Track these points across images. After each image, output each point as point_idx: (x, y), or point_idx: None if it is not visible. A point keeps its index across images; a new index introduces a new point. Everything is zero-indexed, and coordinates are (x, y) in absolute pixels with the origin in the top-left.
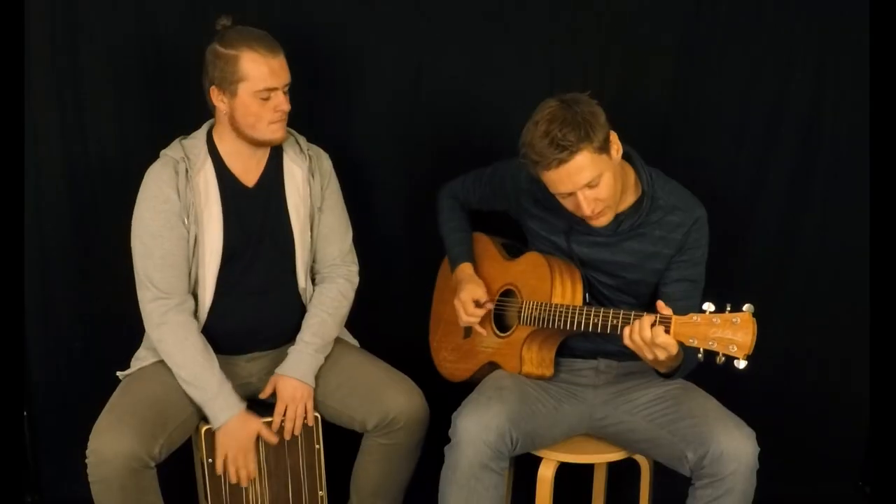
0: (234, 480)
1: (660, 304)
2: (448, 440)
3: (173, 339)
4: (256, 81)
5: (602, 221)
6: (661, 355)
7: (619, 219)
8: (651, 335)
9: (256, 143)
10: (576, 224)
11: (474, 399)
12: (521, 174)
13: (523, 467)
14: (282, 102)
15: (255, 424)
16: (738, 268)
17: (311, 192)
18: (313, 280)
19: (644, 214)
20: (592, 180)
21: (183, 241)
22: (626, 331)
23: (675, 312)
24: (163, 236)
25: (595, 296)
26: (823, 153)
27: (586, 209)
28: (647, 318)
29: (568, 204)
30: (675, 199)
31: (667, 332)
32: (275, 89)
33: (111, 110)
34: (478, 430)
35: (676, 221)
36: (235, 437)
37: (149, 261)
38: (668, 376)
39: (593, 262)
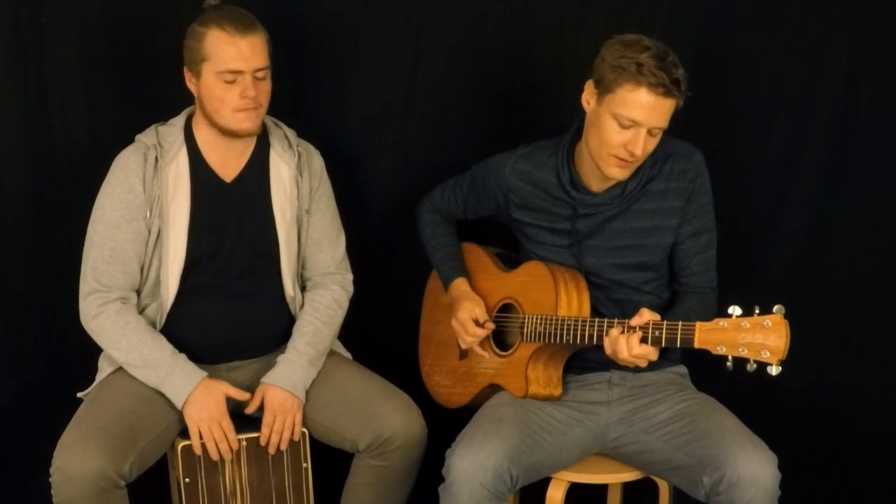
0: (215, 457)
1: (644, 310)
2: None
3: (113, 327)
4: (218, 62)
5: (625, 174)
6: (642, 364)
7: (622, 184)
8: (626, 346)
9: (226, 133)
10: (580, 207)
11: (469, 435)
12: (507, 169)
13: (531, 486)
14: (248, 88)
15: (222, 387)
16: (764, 268)
17: (298, 192)
18: (302, 288)
19: (647, 170)
20: (659, 129)
21: (139, 236)
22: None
23: (695, 267)
24: (119, 228)
25: (602, 287)
26: (859, 142)
27: (640, 148)
28: (618, 329)
29: (619, 136)
30: (671, 147)
31: (643, 341)
32: (240, 72)
33: (79, 96)
34: (473, 470)
35: (680, 168)
36: (204, 406)
37: (98, 251)
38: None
39: (606, 238)
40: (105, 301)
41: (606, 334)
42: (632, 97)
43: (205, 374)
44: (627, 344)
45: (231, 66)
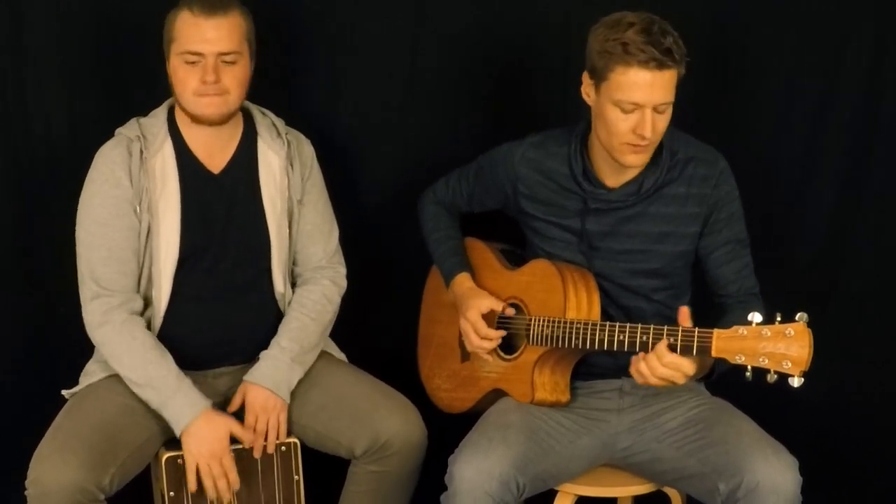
0: (212, 495)
1: (683, 312)
2: (447, 466)
3: (118, 339)
4: (181, 43)
5: (643, 159)
6: (679, 380)
7: (638, 180)
8: (656, 359)
9: (193, 119)
10: (591, 201)
11: (474, 441)
12: (516, 158)
13: (535, 499)
14: (207, 72)
15: (226, 421)
16: (782, 271)
17: (289, 183)
18: (293, 285)
19: (665, 170)
20: (665, 104)
21: (132, 232)
22: (632, 370)
23: (730, 276)
24: (111, 225)
25: (609, 292)
26: (881, 139)
27: (648, 130)
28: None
29: (625, 123)
30: (693, 150)
31: (671, 348)
32: (200, 55)
33: (60, 89)
34: (478, 479)
35: (701, 174)
36: (205, 440)
37: (93, 253)
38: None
39: (617, 241)
40: (109, 307)
41: (617, 340)
42: (625, 80)
43: (209, 403)
44: (657, 353)
45: (191, 48)
